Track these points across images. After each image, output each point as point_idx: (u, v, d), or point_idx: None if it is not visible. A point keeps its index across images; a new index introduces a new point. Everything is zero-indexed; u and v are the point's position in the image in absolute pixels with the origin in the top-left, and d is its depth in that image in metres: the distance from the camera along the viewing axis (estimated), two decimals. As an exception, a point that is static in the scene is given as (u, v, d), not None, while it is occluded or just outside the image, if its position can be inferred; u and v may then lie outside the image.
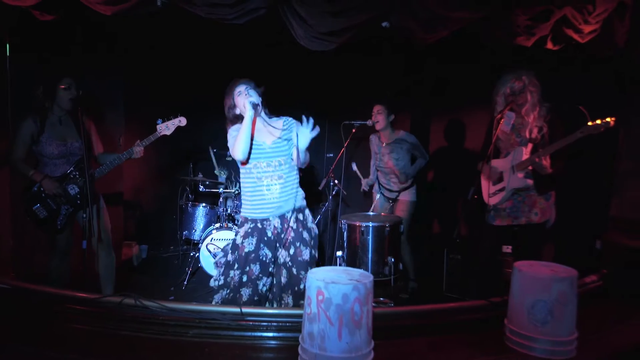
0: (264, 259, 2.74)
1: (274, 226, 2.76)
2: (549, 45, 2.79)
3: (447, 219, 5.02)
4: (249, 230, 2.76)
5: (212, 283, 2.75)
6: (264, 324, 2.09)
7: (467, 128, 4.78)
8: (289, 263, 2.71)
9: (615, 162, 3.20)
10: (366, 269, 3.51)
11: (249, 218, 2.79)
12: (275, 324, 2.10)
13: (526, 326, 2.08)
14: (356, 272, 1.97)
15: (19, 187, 3.18)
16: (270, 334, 2.09)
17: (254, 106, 2.62)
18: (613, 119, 2.57)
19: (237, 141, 2.62)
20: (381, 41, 3.34)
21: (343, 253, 3.62)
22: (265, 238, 2.76)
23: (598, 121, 2.59)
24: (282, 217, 2.76)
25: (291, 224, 2.75)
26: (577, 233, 3.59)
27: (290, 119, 2.83)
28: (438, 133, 5.11)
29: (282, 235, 2.74)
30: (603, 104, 3.19)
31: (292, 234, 2.74)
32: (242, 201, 2.88)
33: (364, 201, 4.84)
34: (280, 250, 2.74)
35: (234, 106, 2.78)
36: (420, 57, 4.37)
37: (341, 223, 3.63)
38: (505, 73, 3.10)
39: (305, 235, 2.77)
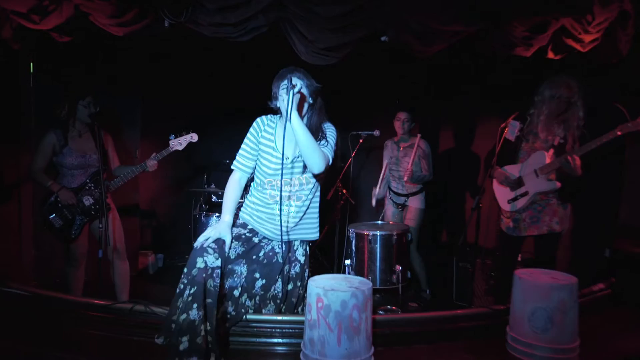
0: (236, 277, 2.19)
1: (275, 250, 2.31)
2: (550, 55, 2.81)
3: (457, 227, 5.03)
4: (243, 236, 2.27)
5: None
6: (268, 330, 2.16)
7: (477, 135, 4.79)
8: (279, 300, 2.29)
9: (623, 170, 3.17)
10: (374, 278, 3.54)
11: (249, 226, 2.32)
12: (279, 330, 2.16)
13: (527, 333, 2.10)
14: (356, 279, 2.02)
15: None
16: (275, 340, 2.16)
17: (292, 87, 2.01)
18: None
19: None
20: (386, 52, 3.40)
21: (352, 262, 3.66)
22: (253, 257, 2.27)
23: (639, 120, 2.46)
24: (287, 244, 2.31)
25: (298, 256, 2.34)
26: (588, 241, 3.56)
27: (331, 128, 2.25)
28: (447, 140, 5.13)
29: (285, 267, 2.28)
30: (607, 110, 3.18)
31: (297, 269, 2.33)
32: (245, 203, 2.37)
33: (375, 210, 4.87)
34: (277, 281, 2.28)
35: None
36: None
37: (349, 232, 3.67)
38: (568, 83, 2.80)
39: (306, 275, 2.35)
